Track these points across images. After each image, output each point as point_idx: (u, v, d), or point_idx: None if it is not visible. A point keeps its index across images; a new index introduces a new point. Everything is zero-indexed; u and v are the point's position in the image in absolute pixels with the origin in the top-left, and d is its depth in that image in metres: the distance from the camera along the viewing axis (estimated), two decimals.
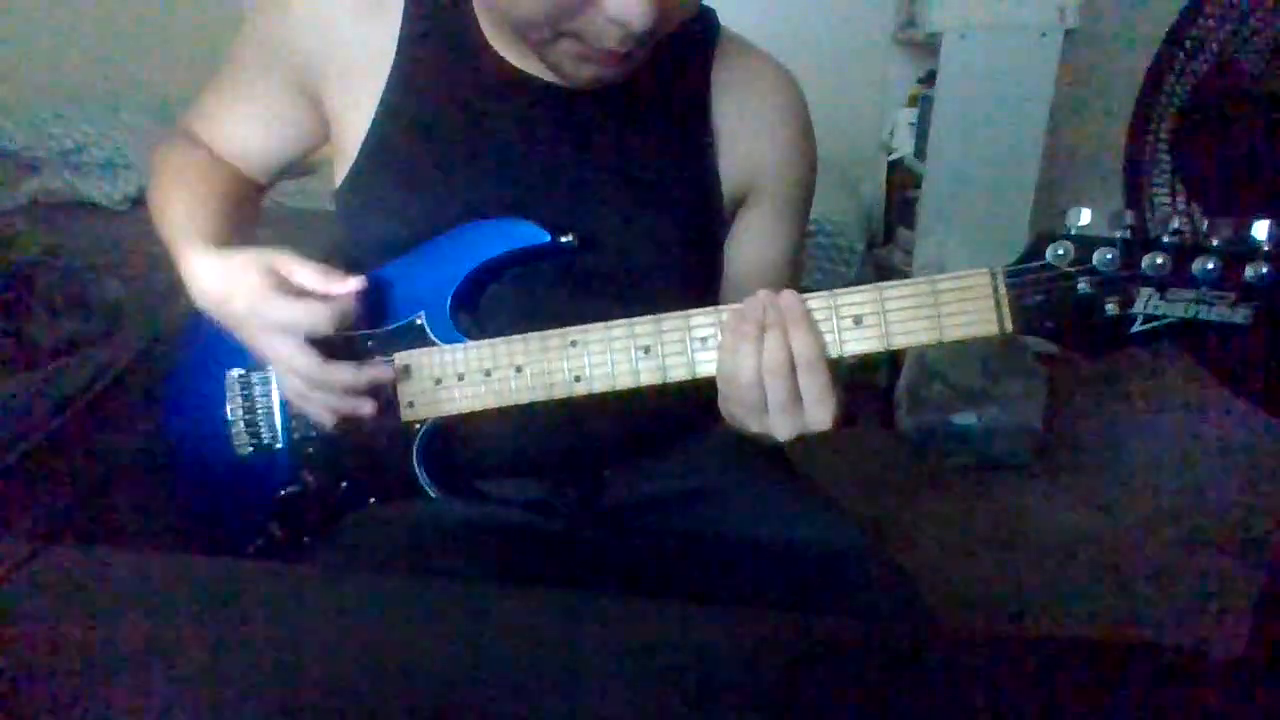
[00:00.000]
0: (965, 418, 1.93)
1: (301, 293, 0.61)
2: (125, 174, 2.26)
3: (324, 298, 0.61)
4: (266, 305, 0.60)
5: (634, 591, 0.66)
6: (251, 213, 0.78)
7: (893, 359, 2.13)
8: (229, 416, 0.73)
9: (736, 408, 0.58)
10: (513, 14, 0.59)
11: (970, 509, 1.82)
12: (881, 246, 2.63)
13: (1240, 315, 0.49)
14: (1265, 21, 0.89)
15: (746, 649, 0.46)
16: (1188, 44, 0.94)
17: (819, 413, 0.56)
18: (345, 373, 0.62)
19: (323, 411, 0.65)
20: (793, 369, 0.54)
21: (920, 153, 2.24)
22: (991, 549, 1.68)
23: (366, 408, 0.64)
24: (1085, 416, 2.19)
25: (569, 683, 0.43)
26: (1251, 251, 0.48)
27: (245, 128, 0.74)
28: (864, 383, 2.19)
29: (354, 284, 0.62)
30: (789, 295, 0.56)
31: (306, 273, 0.62)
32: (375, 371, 0.64)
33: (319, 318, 0.60)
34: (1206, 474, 1.93)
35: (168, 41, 2.61)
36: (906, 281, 0.54)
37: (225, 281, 0.62)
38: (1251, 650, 1.05)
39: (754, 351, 0.55)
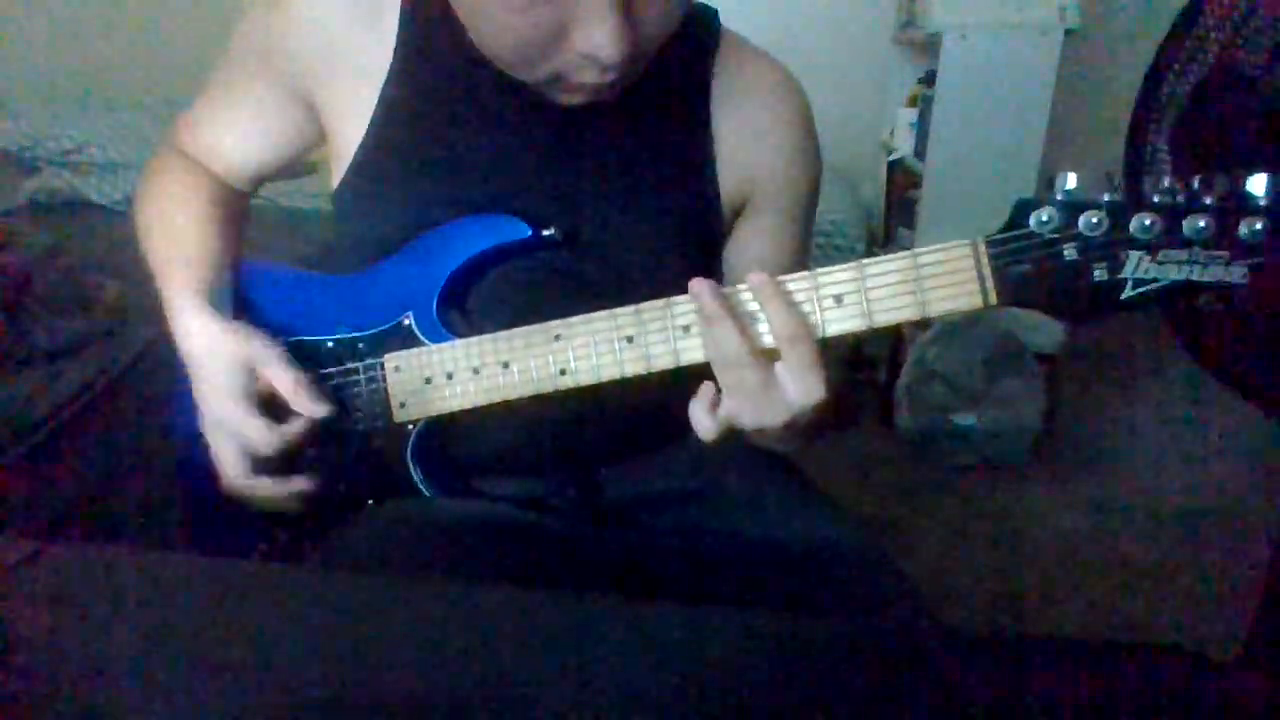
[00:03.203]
0: (965, 418, 1.93)
1: (270, 395, 0.65)
2: (125, 174, 2.26)
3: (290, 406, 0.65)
4: (232, 412, 0.64)
5: (631, 591, 0.66)
6: (241, 223, 0.78)
7: (893, 358, 2.13)
8: None
9: (737, 402, 0.55)
10: (494, 58, 0.60)
11: (970, 509, 1.82)
12: (881, 246, 2.63)
13: (1236, 274, 0.46)
14: (1265, 21, 0.89)
15: (743, 649, 0.46)
16: (1188, 44, 0.94)
17: (811, 382, 0.52)
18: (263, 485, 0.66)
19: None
20: (760, 352, 0.53)
21: (920, 153, 2.23)
22: (991, 549, 1.68)
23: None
24: (1085, 416, 2.19)
25: (566, 682, 0.43)
26: (1245, 207, 0.46)
27: (235, 133, 0.74)
28: (864, 382, 2.20)
29: (320, 410, 0.65)
30: (756, 275, 0.54)
31: (285, 382, 0.64)
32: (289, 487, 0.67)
33: (266, 446, 0.64)
34: (1206, 473, 1.93)
35: (168, 41, 2.61)
36: (889, 257, 0.53)
37: (207, 355, 0.65)
38: (1251, 650, 1.05)
39: (732, 334, 0.53)
